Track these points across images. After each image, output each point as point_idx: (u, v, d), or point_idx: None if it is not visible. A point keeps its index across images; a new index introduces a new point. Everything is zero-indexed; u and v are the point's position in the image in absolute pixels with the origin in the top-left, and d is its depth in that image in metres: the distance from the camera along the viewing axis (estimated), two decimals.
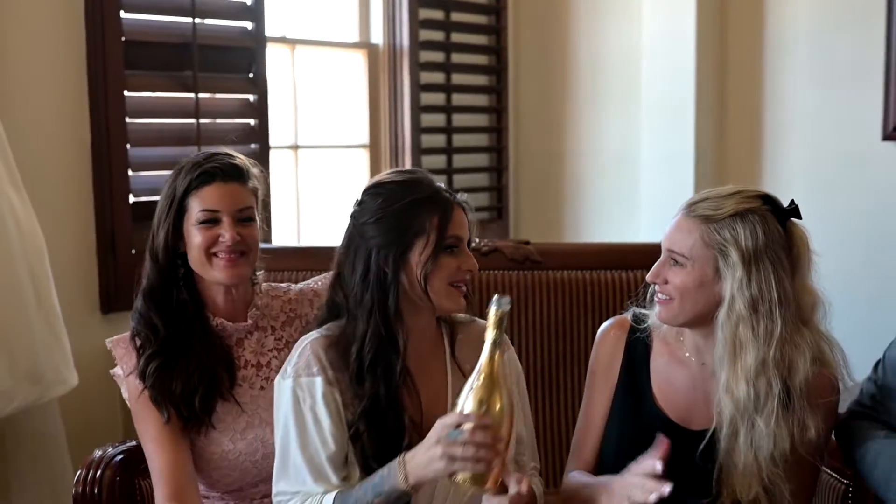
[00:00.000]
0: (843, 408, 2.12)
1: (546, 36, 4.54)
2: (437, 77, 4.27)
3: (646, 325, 2.12)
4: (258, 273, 2.24)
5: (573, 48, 4.46)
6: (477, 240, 2.80)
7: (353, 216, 1.95)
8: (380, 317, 1.88)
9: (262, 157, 3.58)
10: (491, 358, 1.73)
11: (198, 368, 2.09)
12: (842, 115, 3.89)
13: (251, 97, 3.57)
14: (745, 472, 1.92)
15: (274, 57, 3.74)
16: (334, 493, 1.86)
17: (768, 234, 1.94)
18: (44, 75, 3.10)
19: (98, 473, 2.19)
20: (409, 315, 1.92)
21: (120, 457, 2.22)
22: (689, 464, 1.96)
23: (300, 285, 2.33)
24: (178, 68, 3.38)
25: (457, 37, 4.34)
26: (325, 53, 4.09)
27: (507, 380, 1.77)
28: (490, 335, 1.74)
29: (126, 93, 3.24)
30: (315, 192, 4.01)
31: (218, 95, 3.53)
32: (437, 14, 4.24)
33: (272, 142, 3.65)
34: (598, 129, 4.42)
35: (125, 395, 2.18)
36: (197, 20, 3.39)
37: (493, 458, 1.71)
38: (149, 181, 3.33)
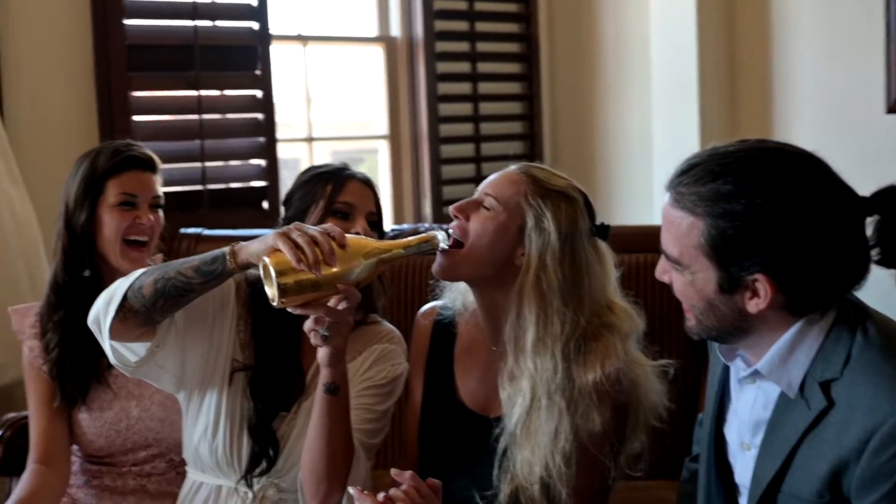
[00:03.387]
0: None
1: (577, 20, 4.55)
2: (461, 66, 4.35)
3: (450, 312, 2.10)
4: (156, 256, 2.44)
5: (600, 31, 4.46)
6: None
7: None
8: None
9: (269, 150, 3.79)
10: (394, 248, 1.80)
11: (82, 354, 2.27)
12: (847, 89, 3.78)
13: (257, 93, 3.78)
14: (530, 459, 1.86)
15: (287, 53, 3.95)
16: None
17: (583, 229, 1.93)
18: (54, 80, 3.42)
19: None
20: None
21: (24, 421, 2.43)
22: (488, 453, 1.94)
23: None
24: (182, 68, 3.62)
25: (482, 26, 4.40)
26: (343, 48, 4.26)
27: (381, 270, 1.83)
28: (409, 240, 1.83)
29: (132, 93, 3.53)
30: None
31: (225, 92, 3.76)
32: (460, 4, 4.32)
33: (281, 135, 3.86)
34: (620, 112, 4.42)
35: None
36: (201, 22, 3.64)
37: (314, 263, 1.69)
38: None
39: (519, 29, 4.52)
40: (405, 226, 3.16)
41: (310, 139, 4.11)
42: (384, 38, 4.26)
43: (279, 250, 1.71)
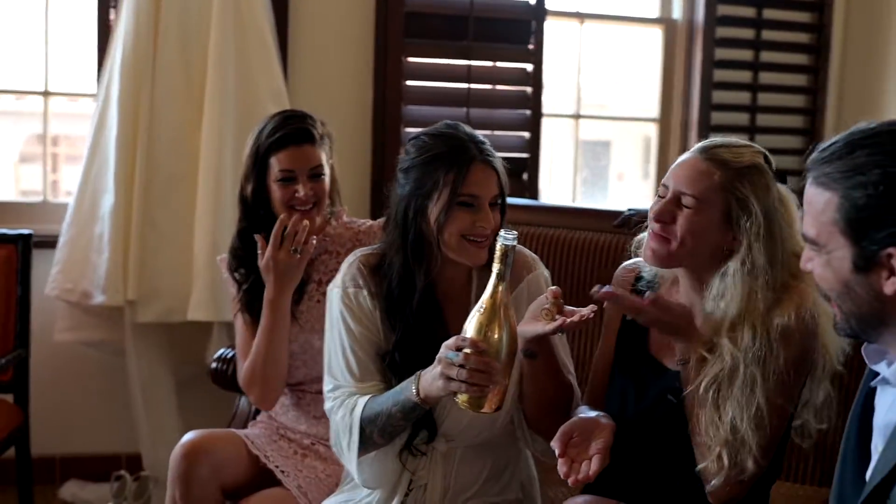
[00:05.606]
0: None
1: (875, 12, 4.25)
2: (743, 54, 4.19)
3: (654, 273, 2.06)
4: (338, 209, 2.56)
5: None
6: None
7: (397, 162, 2.12)
8: (402, 256, 2.04)
9: (534, 123, 3.85)
10: (494, 289, 1.79)
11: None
12: None
13: (528, 66, 3.83)
14: (716, 422, 1.82)
15: (562, 29, 3.97)
16: (367, 398, 2.03)
17: (775, 190, 1.89)
18: (336, 42, 3.67)
19: (230, 353, 2.70)
20: (434, 258, 2.04)
21: None
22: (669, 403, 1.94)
23: (372, 222, 2.57)
24: (456, 38, 3.74)
25: (770, 13, 4.20)
26: (620, 28, 4.24)
27: (510, 311, 1.82)
28: (494, 268, 1.79)
29: (406, 59, 3.68)
30: (598, 161, 4.19)
31: (496, 64, 3.84)
32: None
33: (548, 110, 3.89)
34: None
35: None
36: None
37: (487, 384, 1.78)
38: None
39: (811, 18, 4.28)
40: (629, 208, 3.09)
41: (577, 116, 4.12)
42: (665, 20, 4.19)
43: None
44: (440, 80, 3.81)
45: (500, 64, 3.86)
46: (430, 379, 1.87)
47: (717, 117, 4.13)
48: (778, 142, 4.27)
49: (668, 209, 1.89)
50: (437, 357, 1.85)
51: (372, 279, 2.10)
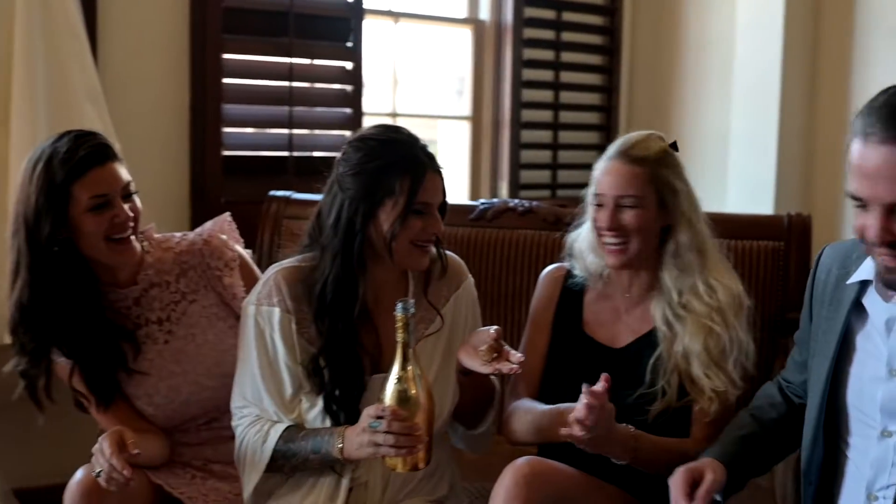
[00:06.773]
0: None
1: (660, 16, 4.58)
2: (546, 54, 4.36)
3: (580, 274, 2.28)
4: (146, 229, 2.29)
5: (683, 28, 4.50)
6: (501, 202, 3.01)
7: (336, 164, 2.06)
8: (342, 262, 2.00)
9: (356, 122, 3.80)
10: (404, 358, 1.88)
11: (95, 356, 2.16)
12: None
13: (347, 64, 3.78)
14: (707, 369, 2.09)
15: (377, 28, 3.96)
16: (282, 428, 2.01)
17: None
18: (149, 38, 3.44)
19: None
20: (373, 263, 2.04)
21: None
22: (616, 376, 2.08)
23: (191, 236, 2.34)
24: (275, 34, 3.63)
25: (568, 16, 4.41)
26: (432, 27, 4.29)
27: (423, 373, 1.90)
28: (399, 338, 1.87)
29: (224, 55, 3.53)
30: None
31: (314, 62, 3.77)
32: None
33: (367, 108, 3.86)
34: (698, 106, 4.46)
35: None
36: None
37: (413, 444, 1.87)
38: (240, 137, 3.64)
39: (603, 21, 4.52)
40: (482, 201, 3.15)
41: (394, 114, 4.12)
42: (473, 21, 4.27)
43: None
44: (260, 77, 3.68)
45: (319, 62, 3.78)
46: (355, 444, 1.93)
47: (527, 115, 4.27)
48: (578, 137, 4.49)
49: (615, 216, 2.12)
50: (361, 426, 1.91)
51: (290, 293, 2.05)
